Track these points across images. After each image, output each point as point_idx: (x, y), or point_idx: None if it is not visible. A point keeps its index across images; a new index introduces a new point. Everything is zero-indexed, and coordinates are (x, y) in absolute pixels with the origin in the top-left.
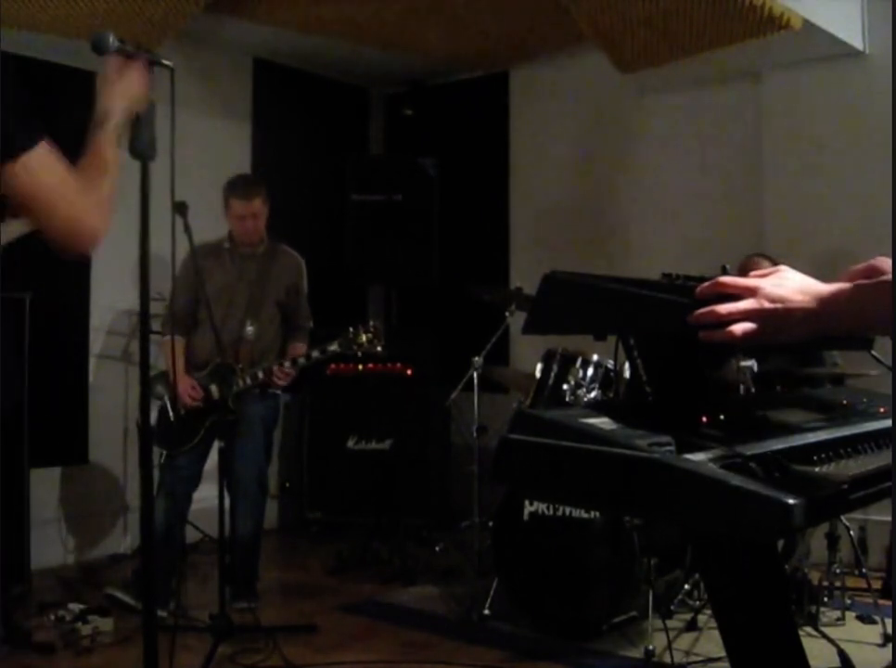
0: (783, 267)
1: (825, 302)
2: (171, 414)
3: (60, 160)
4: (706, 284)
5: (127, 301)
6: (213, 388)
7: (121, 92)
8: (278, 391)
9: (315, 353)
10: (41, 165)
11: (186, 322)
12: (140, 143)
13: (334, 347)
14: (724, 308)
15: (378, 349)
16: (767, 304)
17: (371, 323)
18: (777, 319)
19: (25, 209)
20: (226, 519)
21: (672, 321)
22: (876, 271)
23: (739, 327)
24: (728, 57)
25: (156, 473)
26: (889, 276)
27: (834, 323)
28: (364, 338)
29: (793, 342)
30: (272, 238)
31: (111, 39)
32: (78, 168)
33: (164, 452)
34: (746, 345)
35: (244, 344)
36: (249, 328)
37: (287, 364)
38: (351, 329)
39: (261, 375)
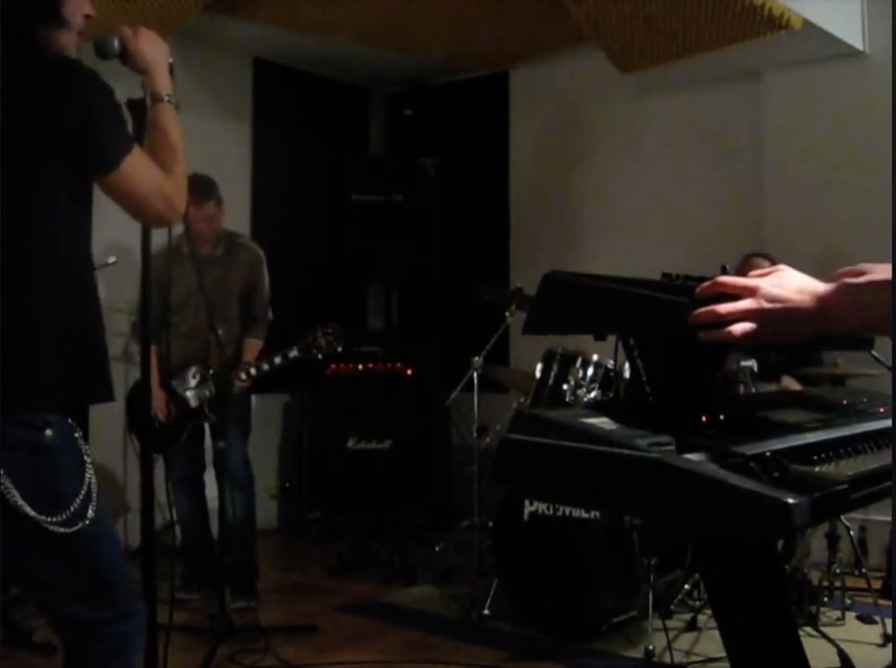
0: (783, 267)
1: (825, 302)
2: (153, 420)
3: (149, 160)
4: (705, 284)
5: (127, 302)
6: (190, 395)
7: (159, 62)
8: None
9: (278, 360)
10: (136, 170)
11: (159, 328)
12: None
13: (294, 353)
14: (724, 308)
15: (339, 350)
16: (766, 304)
17: (330, 325)
18: (777, 319)
19: (121, 204)
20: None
21: (672, 321)
22: (860, 275)
23: (739, 327)
24: (728, 57)
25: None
26: (882, 276)
27: (834, 323)
28: (322, 341)
29: (793, 342)
30: (230, 234)
31: (116, 42)
32: (151, 151)
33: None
34: (745, 345)
35: (216, 348)
36: (219, 331)
37: (245, 374)
38: (310, 334)
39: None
